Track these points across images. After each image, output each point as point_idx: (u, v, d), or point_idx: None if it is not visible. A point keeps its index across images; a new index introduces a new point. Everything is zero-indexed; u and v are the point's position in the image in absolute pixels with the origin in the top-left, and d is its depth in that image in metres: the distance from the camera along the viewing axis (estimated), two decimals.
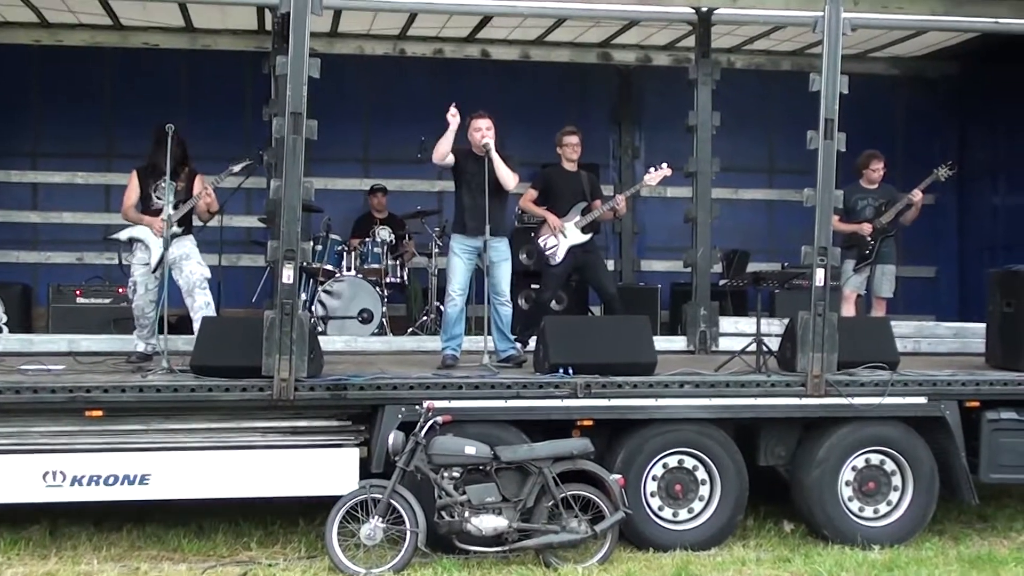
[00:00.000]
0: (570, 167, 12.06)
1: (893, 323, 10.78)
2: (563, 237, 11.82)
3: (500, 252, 10.68)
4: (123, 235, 10.88)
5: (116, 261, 12.08)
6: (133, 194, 10.85)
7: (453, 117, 10.47)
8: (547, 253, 11.90)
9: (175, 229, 10.47)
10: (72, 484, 8.75)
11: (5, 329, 13.03)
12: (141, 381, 9.12)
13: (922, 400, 9.81)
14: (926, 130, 16.16)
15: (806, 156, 9.85)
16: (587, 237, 11.93)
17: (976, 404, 9.91)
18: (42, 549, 9.07)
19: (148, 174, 10.76)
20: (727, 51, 14.99)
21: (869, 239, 12.46)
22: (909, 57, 15.84)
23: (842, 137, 9.66)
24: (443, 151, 10.60)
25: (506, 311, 10.73)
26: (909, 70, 16.11)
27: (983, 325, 11.29)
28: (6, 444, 8.80)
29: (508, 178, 10.60)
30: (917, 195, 12.52)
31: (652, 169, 12.09)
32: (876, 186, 12.70)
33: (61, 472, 8.74)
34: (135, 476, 8.82)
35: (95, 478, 8.78)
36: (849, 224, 12.39)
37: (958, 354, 12.24)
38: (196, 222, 10.99)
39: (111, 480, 8.80)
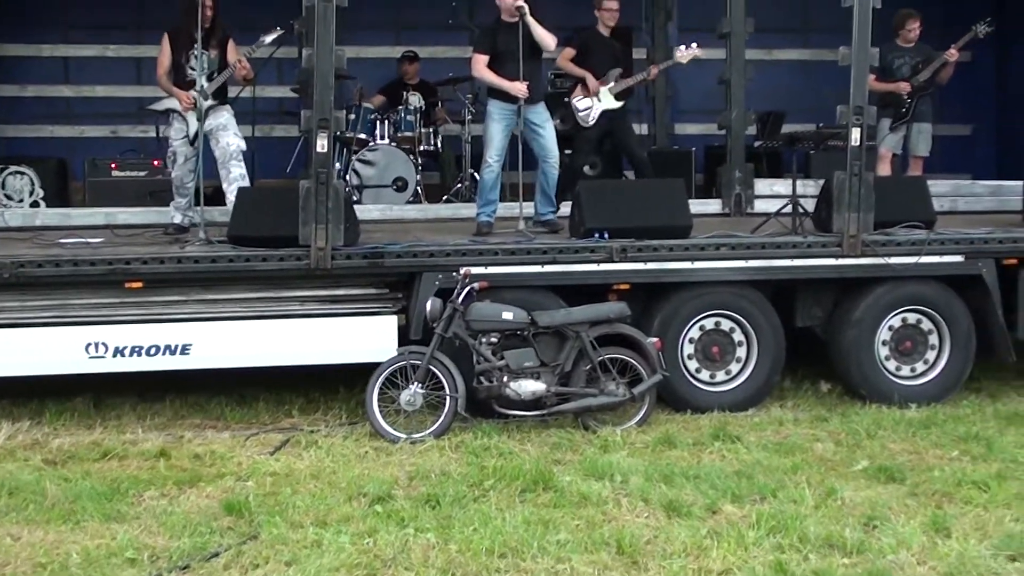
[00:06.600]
0: (605, 31, 11.94)
1: (929, 182, 10.73)
2: (598, 101, 11.76)
3: (542, 115, 10.63)
4: (159, 106, 10.83)
5: (150, 134, 12.07)
6: (165, 59, 10.72)
7: (521, 92, 10.30)
8: (580, 114, 11.86)
9: (210, 101, 10.39)
10: (114, 355, 8.84)
11: (43, 204, 13.11)
12: (179, 252, 9.22)
13: (959, 259, 9.79)
14: None
15: (841, 14, 9.71)
16: (619, 104, 11.88)
17: (1014, 262, 9.87)
18: (87, 419, 9.20)
19: (179, 41, 10.62)
20: None
21: (905, 98, 12.34)
22: None
23: None
24: (483, 77, 10.61)
25: (553, 173, 10.69)
26: None
27: (1020, 183, 11.27)
28: (48, 316, 8.90)
29: (547, 38, 10.43)
30: (954, 53, 12.34)
31: (683, 47, 12.01)
32: (912, 45, 12.53)
33: (103, 343, 8.83)
34: (176, 346, 8.91)
35: (137, 349, 8.87)
36: (885, 83, 12.22)
37: (995, 212, 12.17)
38: (232, 92, 10.91)
39: (152, 350, 8.89)
